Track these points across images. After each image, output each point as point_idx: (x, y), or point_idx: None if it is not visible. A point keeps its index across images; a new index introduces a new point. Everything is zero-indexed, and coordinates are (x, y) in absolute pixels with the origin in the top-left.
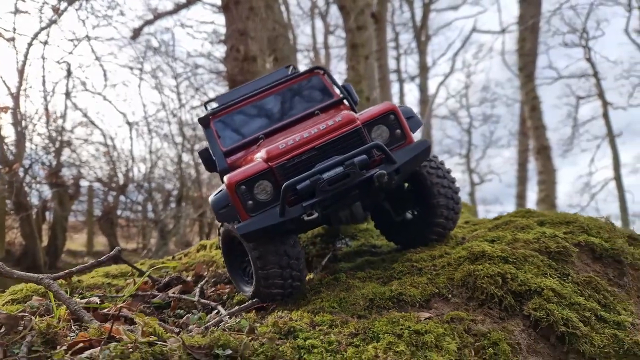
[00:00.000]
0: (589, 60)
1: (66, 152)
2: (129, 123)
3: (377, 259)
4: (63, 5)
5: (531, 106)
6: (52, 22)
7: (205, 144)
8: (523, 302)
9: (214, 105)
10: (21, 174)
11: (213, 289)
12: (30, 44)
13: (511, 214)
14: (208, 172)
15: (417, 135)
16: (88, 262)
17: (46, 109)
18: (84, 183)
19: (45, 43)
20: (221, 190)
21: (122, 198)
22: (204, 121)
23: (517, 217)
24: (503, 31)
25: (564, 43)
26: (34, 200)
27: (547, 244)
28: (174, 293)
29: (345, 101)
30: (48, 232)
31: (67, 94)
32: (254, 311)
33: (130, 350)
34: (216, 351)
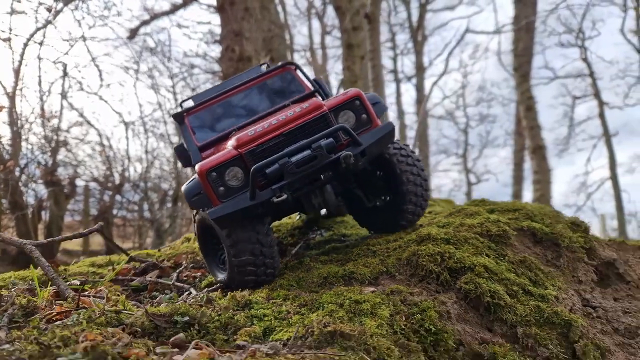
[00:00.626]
0: (585, 60)
1: (62, 151)
2: (125, 123)
3: (343, 245)
4: (59, 5)
5: (526, 106)
6: (48, 22)
7: (180, 140)
8: (457, 277)
9: (190, 103)
10: (17, 173)
11: (187, 273)
12: (26, 44)
13: (467, 203)
14: (183, 167)
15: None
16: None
17: (42, 109)
18: (79, 183)
19: (41, 43)
20: (194, 179)
21: (118, 197)
22: (178, 117)
23: (471, 205)
24: (497, 31)
25: (560, 43)
26: (30, 199)
27: (488, 227)
28: (151, 277)
29: (317, 94)
30: (44, 231)
31: (63, 94)
32: (220, 290)
33: (98, 315)
34: (175, 318)
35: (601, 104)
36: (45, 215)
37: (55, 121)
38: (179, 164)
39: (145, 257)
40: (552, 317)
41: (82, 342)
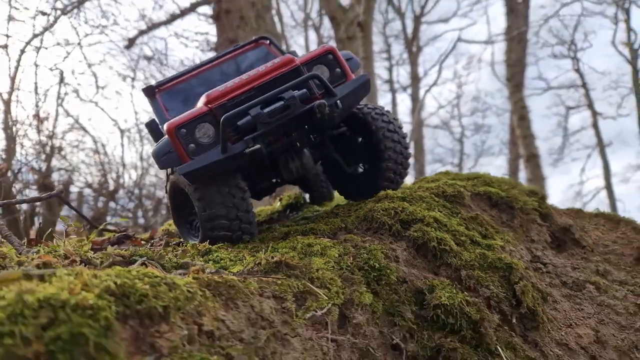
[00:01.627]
0: (577, 71)
1: (57, 157)
2: (120, 130)
3: (313, 216)
4: (57, 13)
5: (520, 115)
6: (46, 29)
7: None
8: (409, 228)
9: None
10: (10, 177)
11: (161, 243)
12: (23, 51)
13: (433, 176)
14: (155, 142)
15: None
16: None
17: (37, 115)
18: (73, 189)
19: (38, 50)
20: (163, 139)
21: (112, 204)
22: (149, 91)
23: (434, 176)
24: (488, 42)
25: (553, 54)
26: (23, 205)
27: (444, 189)
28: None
29: None
30: (36, 236)
31: (59, 101)
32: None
33: (61, 263)
34: (134, 257)
35: (594, 114)
36: (37, 221)
37: (49, 125)
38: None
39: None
40: (496, 262)
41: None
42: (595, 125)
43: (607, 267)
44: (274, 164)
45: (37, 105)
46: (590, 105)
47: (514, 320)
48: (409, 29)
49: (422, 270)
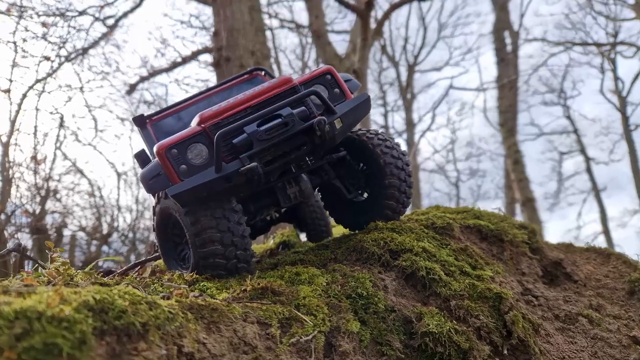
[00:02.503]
0: (568, 118)
1: (51, 199)
2: (117, 173)
3: (305, 249)
4: (61, 60)
5: (514, 159)
6: (49, 74)
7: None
8: (397, 257)
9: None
10: (3, 219)
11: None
12: (25, 95)
13: (423, 209)
14: None
15: None
16: None
17: (34, 157)
18: (66, 232)
19: (40, 94)
20: (152, 162)
21: (105, 248)
22: (140, 120)
23: (426, 210)
24: (478, 89)
25: (544, 102)
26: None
27: (433, 220)
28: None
29: None
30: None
31: (58, 145)
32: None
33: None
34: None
35: (587, 159)
36: (27, 264)
37: (46, 168)
38: None
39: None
40: (485, 292)
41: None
42: (589, 170)
43: (601, 301)
44: (271, 190)
45: (35, 148)
46: (582, 151)
47: (505, 352)
48: (403, 77)
49: (411, 300)
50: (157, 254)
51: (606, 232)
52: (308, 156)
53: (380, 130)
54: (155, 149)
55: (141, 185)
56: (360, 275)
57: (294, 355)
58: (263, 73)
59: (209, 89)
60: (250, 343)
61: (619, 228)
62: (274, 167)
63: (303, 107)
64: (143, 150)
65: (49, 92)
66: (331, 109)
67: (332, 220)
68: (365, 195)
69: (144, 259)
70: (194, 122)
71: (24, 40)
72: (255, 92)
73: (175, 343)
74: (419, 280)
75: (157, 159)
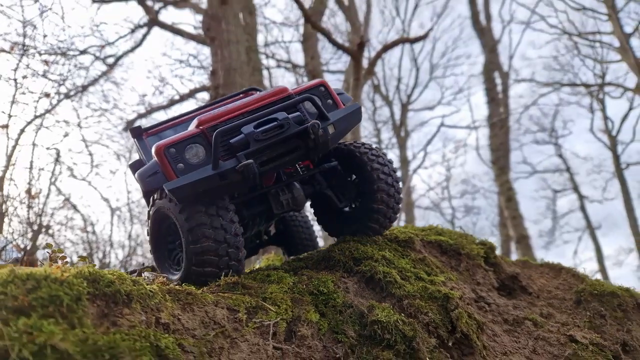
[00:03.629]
0: (560, 156)
1: (44, 235)
2: (111, 208)
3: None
4: (61, 97)
5: (507, 197)
6: (47, 111)
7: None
8: (359, 264)
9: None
10: None
11: None
12: (22, 130)
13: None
14: (138, 184)
15: None
16: None
17: (29, 192)
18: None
19: (38, 130)
20: (150, 162)
21: None
22: (136, 132)
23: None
24: (469, 127)
25: (535, 141)
26: None
27: (397, 234)
28: None
29: None
30: None
31: (53, 180)
32: None
33: None
34: None
35: (581, 197)
36: None
37: (40, 203)
38: None
39: None
40: (435, 293)
41: None
42: (582, 208)
43: (551, 310)
44: (264, 197)
45: (29, 183)
46: (576, 189)
47: (450, 344)
48: (397, 116)
49: (368, 299)
50: (148, 266)
51: (602, 270)
52: (301, 159)
53: (374, 145)
54: (153, 148)
55: (139, 184)
56: (324, 276)
57: (257, 336)
58: (257, 92)
59: (205, 105)
60: (219, 323)
61: (615, 267)
62: (269, 168)
63: (298, 113)
64: (138, 161)
65: (47, 127)
66: (325, 115)
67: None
68: (355, 206)
69: (136, 269)
70: (192, 126)
71: (24, 77)
72: (252, 99)
73: (154, 314)
74: (377, 283)
75: (155, 158)
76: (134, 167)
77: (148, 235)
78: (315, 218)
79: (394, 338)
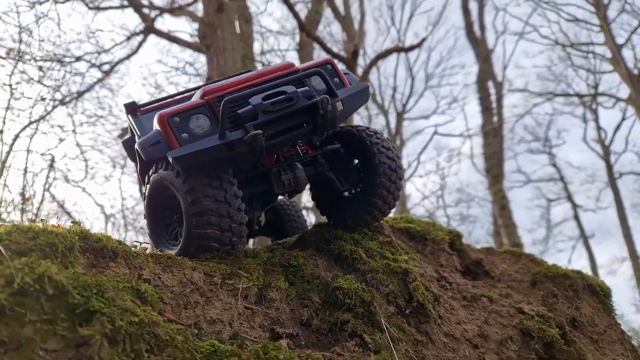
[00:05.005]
0: (554, 165)
1: None
2: (105, 215)
3: None
4: (55, 102)
5: (500, 205)
6: (42, 117)
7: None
8: (330, 244)
9: None
10: None
11: None
12: (17, 136)
13: None
14: (132, 161)
15: None
16: None
17: (22, 194)
18: None
19: (32, 136)
20: (152, 132)
21: None
22: (131, 107)
23: None
24: (463, 135)
25: (530, 150)
26: None
27: None
28: None
29: None
30: None
31: (47, 187)
32: None
33: None
34: None
35: (575, 206)
36: None
37: (34, 208)
38: None
39: None
40: (396, 268)
41: None
42: (576, 217)
43: (509, 291)
44: (265, 176)
45: (23, 189)
46: (569, 198)
47: (407, 312)
48: (392, 124)
49: (339, 272)
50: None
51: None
52: (308, 135)
53: (378, 130)
54: (156, 116)
55: (139, 153)
56: (296, 253)
57: (230, 296)
58: None
59: (205, 84)
60: (196, 283)
61: (609, 276)
62: (275, 143)
63: (307, 88)
64: (131, 137)
65: (43, 132)
66: (334, 92)
67: None
68: (355, 191)
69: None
70: (195, 97)
71: (19, 82)
72: (259, 72)
73: (137, 271)
74: (345, 260)
75: (157, 127)
76: (127, 144)
77: (145, 208)
78: (314, 202)
79: (353, 302)
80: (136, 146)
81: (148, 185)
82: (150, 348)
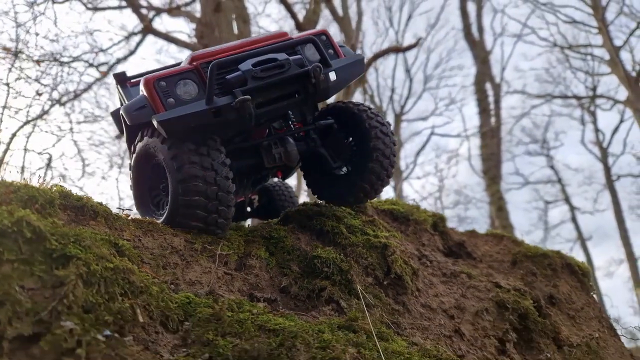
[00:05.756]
0: (552, 167)
1: None
2: None
3: None
4: (53, 102)
5: (498, 206)
6: (39, 116)
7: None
8: (312, 220)
9: None
10: None
11: None
12: (14, 134)
13: None
14: (120, 133)
15: None
16: None
17: None
18: None
19: (29, 135)
20: (137, 97)
21: None
22: (120, 77)
23: None
24: (461, 136)
25: (528, 152)
26: None
27: None
28: None
29: None
30: None
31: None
32: None
33: None
34: None
35: (572, 208)
36: None
37: None
38: None
39: None
40: (376, 243)
41: None
42: (574, 220)
43: (490, 271)
44: (256, 150)
45: None
46: (567, 200)
47: (385, 283)
48: (391, 126)
49: (320, 245)
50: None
51: (594, 282)
52: (299, 105)
53: (371, 106)
54: (142, 80)
55: (124, 118)
56: (279, 227)
57: (210, 262)
58: None
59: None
60: (176, 247)
61: (606, 278)
62: (265, 111)
63: (299, 56)
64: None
65: (46, 131)
66: (327, 61)
67: None
68: (347, 169)
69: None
70: (184, 62)
71: (17, 79)
72: (251, 39)
73: (117, 232)
74: (326, 235)
75: (143, 91)
76: (116, 115)
77: (131, 178)
78: (305, 180)
79: (331, 270)
80: (121, 111)
81: (134, 154)
82: (124, 292)
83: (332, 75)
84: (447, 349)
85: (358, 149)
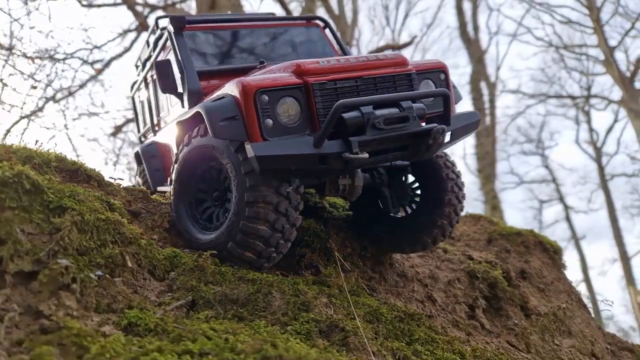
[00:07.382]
0: (547, 167)
1: None
2: None
3: None
4: (47, 98)
5: (492, 205)
6: (33, 112)
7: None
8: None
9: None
10: None
11: None
12: (8, 131)
13: None
14: (162, 91)
15: None
16: None
17: None
18: None
19: (23, 132)
20: (223, 97)
21: None
22: (179, 22)
23: None
24: None
25: (523, 151)
26: None
27: None
28: None
29: None
30: None
31: None
32: None
33: None
34: None
35: (566, 208)
36: None
37: None
38: None
39: None
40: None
41: None
42: (568, 219)
43: (467, 249)
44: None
45: None
46: (561, 200)
47: (363, 254)
48: None
49: None
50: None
51: (587, 280)
52: (402, 159)
53: (446, 152)
54: (239, 85)
55: (206, 119)
56: None
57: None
58: (323, 25)
59: (257, 19)
60: (165, 213)
61: (600, 277)
62: (368, 161)
63: (421, 105)
64: (167, 61)
65: (43, 126)
66: (449, 120)
67: None
68: (409, 211)
69: None
70: (285, 69)
71: (11, 75)
72: (369, 61)
73: (109, 196)
74: (310, 210)
75: (239, 99)
76: (161, 66)
77: (174, 171)
78: (352, 215)
79: (311, 239)
80: (201, 110)
81: (185, 147)
82: (115, 241)
83: (447, 137)
84: (418, 310)
85: (427, 197)
